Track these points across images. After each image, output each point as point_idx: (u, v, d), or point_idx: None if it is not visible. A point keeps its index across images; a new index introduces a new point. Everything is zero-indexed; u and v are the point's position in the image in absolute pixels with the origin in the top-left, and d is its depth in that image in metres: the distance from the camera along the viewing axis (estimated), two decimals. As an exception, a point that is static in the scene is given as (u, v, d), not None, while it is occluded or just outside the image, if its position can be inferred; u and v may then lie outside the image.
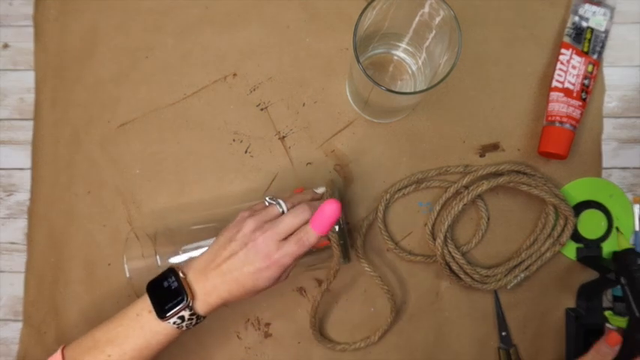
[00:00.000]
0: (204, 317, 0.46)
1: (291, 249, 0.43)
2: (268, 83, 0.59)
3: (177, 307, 0.43)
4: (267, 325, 0.57)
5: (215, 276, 0.44)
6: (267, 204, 0.47)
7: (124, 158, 0.59)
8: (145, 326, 0.44)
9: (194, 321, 0.45)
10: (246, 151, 0.59)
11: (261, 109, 0.59)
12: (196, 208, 0.58)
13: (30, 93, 0.60)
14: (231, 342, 0.57)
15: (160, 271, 0.46)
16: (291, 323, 0.57)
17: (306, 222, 0.44)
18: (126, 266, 0.50)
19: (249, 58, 0.60)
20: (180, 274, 0.45)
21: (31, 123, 0.60)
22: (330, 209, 0.43)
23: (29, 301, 0.58)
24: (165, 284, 0.44)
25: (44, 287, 0.58)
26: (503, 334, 0.56)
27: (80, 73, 0.60)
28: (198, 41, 0.60)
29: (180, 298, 0.43)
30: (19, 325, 0.58)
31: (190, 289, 0.44)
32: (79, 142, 0.59)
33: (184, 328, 0.45)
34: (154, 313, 0.44)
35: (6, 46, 0.61)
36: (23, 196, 0.60)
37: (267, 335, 0.57)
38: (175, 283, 0.44)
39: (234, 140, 0.59)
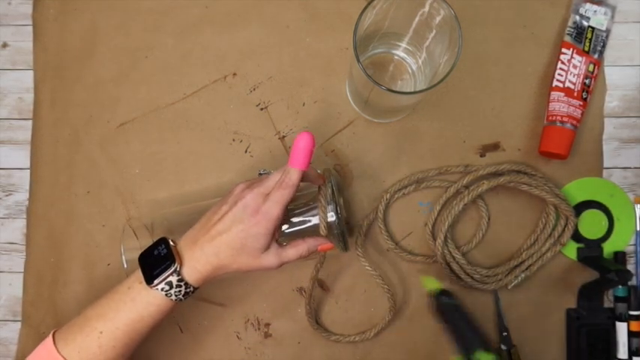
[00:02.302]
0: (194, 288, 0.45)
1: (276, 195, 0.44)
2: (268, 83, 0.59)
3: (165, 273, 0.44)
4: (267, 325, 0.57)
5: (204, 241, 0.44)
6: (261, 173, 0.49)
7: (124, 158, 0.59)
8: (136, 298, 0.45)
9: (183, 289, 0.45)
10: (246, 151, 0.59)
11: (261, 109, 0.59)
12: (194, 199, 0.58)
13: (29, 92, 0.60)
14: (231, 342, 0.57)
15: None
16: (291, 323, 0.57)
17: None
18: (123, 257, 0.50)
19: (249, 58, 0.60)
20: (171, 242, 0.45)
21: (30, 123, 0.60)
22: (302, 141, 0.44)
23: (28, 301, 0.58)
24: (156, 252, 0.45)
25: (43, 287, 0.58)
26: (504, 334, 0.56)
27: (80, 72, 0.60)
28: (198, 41, 0.60)
29: (168, 263, 0.44)
30: (18, 325, 0.58)
31: (179, 255, 0.45)
32: (78, 142, 0.59)
33: (173, 297, 0.45)
34: (144, 283, 0.44)
35: (5, 45, 0.61)
36: (22, 196, 0.60)
37: (267, 335, 0.57)
38: (165, 250, 0.45)
39: (234, 140, 0.59)
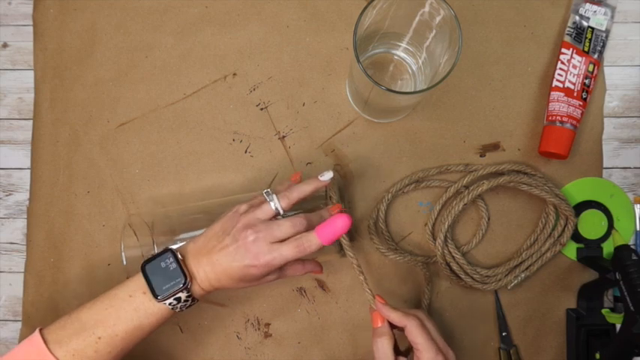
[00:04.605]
0: (197, 301, 0.46)
1: (288, 252, 0.43)
2: (268, 83, 0.59)
3: (176, 288, 0.43)
4: (267, 325, 0.57)
5: (207, 263, 0.44)
6: (264, 197, 0.47)
7: (124, 158, 0.59)
8: (139, 307, 0.44)
9: (189, 303, 0.45)
10: (246, 151, 0.59)
11: (261, 109, 0.59)
12: (195, 198, 0.58)
13: (29, 92, 0.60)
14: (231, 342, 0.57)
15: None
16: (291, 323, 0.57)
17: (301, 232, 0.44)
18: (123, 254, 0.50)
19: (249, 57, 0.60)
20: (179, 256, 0.45)
21: (30, 123, 0.60)
22: (342, 223, 0.43)
23: (28, 301, 0.58)
24: (163, 265, 0.44)
25: (43, 287, 0.58)
26: (504, 334, 0.56)
27: (79, 72, 0.60)
28: (198, 41, 0.60)
29: (179, 279, 0.44)
30: (19, 325, 0.58)
31: (188, 270, 0.45)
32: (78, 141, 0.59)
33: (178, 309, 0.45)
34: (149, 294, 0.44)
35: (5, 45, 0.61)
36: (22, 196, 0.60)
37: (267, 335, 0.57)
38: (174, 265, 0.44)
39: (234, 140, 0.59)
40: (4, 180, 0.60)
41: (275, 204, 0.46)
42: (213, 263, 0.44)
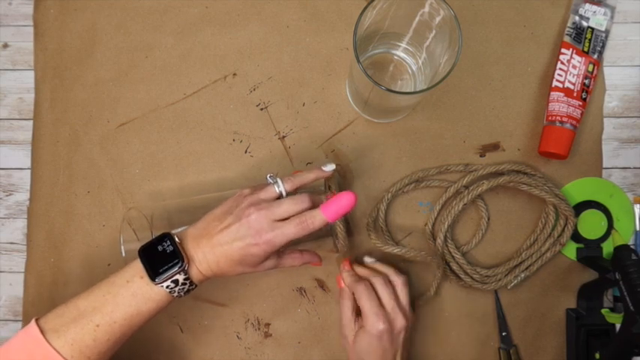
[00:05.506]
0: (195, 286, 0.46)
1: (291, 230, 0.43)
2: (268, 83, 0.59)
3: (173, 270, 0.43)
4: (267, 325, 0.57)
5: (206, 245, 0.44)
6: (268, 181, 0.47)
7: (124, 158, 0.59)
8: (137, 292, 0.44)
9: (187, 287, 0.45)
10: (246, 151, 0.59)
11: (261, 109, 0.59)
12: (194, 193, 0.58)
13: (29, 93, 0.60)
14: (231, 342, 0.57)
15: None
16: (291, 323, 0.57)
17: (304, 210, 0.44)
18: (122, 247, 0.50)
19: (249, 58, 0.60)
20: (176, 239, 0.45)
21: (30, 123, 0.60)
22: (347, 198, 0.43)
23: (28, 301, 0.58)
24: (160, 248, 0.44)
25: (43, 287, 0.58)
26: (504, 334, 0.56)
27: (80, 72, 0.60)
28: (198, 41, 0.60)
29: (175, 261, 0.43)
30: (19, 325, 0.58)
31: (186, 253, 0.44)
32: (78, 141, 0.59)
33: (176, 294, 0.45)
34: (146, 278, 0.44)
35: (5, 45, 0.61)
36: (22, 196, 0.60)
37: (267, 335, 0.57)
38: (171, 247, 0.44)
39: (234, 140, 0.59)
40: (5, 180, 0.60)
41: (279, 186, 0.46)
42: (213, 245, 0.44)
